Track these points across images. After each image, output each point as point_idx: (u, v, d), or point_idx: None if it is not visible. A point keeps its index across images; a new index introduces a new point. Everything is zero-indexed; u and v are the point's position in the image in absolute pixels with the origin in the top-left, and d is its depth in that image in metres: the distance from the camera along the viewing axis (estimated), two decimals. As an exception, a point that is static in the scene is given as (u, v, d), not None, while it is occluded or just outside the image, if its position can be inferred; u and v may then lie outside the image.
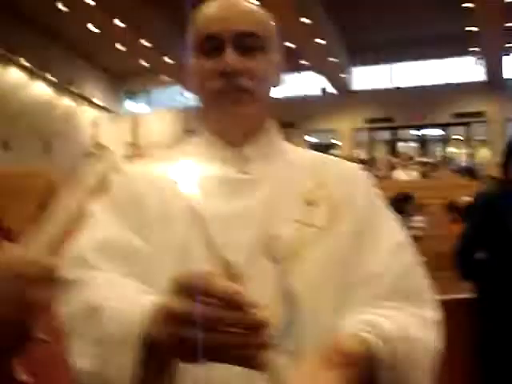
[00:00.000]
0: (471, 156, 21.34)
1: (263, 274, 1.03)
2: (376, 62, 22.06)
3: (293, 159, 1.23)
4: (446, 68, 21.57)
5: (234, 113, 1.16)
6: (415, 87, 21.52)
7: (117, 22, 16.16)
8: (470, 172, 19.59)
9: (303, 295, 1.04)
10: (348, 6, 16.52)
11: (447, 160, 20.89)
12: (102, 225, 1.11)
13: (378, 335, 0.91)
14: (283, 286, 1.04)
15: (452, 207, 7.32)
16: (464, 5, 14.95)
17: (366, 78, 22.51)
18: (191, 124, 23.42)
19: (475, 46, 17.68)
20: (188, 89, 1.30)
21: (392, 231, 1.16)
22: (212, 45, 1.16)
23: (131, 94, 26.40)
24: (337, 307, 1.05)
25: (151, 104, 25.93)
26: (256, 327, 0.73)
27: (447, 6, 16.23)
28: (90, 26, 17.17)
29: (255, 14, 1.20)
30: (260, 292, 0.86)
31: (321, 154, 1.32)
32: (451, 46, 19.64)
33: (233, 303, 0.72)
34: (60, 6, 15.52)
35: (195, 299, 0.72)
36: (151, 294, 0.87)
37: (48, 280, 0.63)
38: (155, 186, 1.13)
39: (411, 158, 17.90)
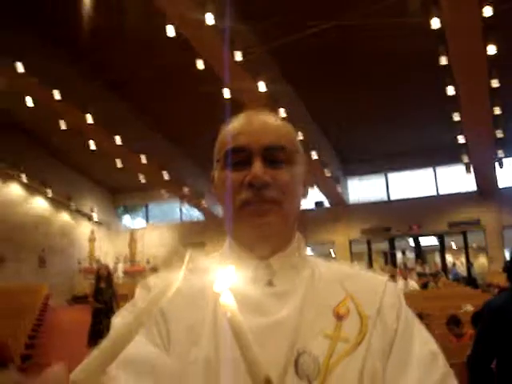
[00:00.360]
0: (469, 264, 21.26)
1: None
2: (371, 173, 22.50)
3: (320, 272, 1.21)
4: (441, 178, 21.98)
5: (261, 224, 1.15)
6: (410, 198, 21.81)
7: (116, 139, 16.55)
8: (469, 281, 19.50)
9: None
10: (342, 121, 17.05)
11: (446, 269, 20.83)
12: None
13: None
14: None
15: (453, 321, 7.18)
16: (454, 118, 15.43)
17: (362, 189, 22.84)
18: (189, 237, 23.53)
19: (467, 156, 18.07)
20: (215, 200, 1.30)
21: (424, 341, 1.12)
22: (240, 157, 1.17)
23: (129, 209, 26.68)
24: None
25: (149, 218, 26.13)
26: None
27: (439, 119, 16.77)
28: (90, 143, 17.56)
29: (282, 129, 1.23)
30: None
31: (347, 267, 1.31)
32: (444, 156, 20.12)
33: None
34: (62, 125, 15.95)
35: None
36: None
37: None
38: (181, 301, 1.10)
39: (411, 269, 17.82)
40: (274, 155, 1.17)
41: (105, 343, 0.67)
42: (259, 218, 1.14)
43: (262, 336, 1.04)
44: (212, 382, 1.01)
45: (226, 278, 0.74)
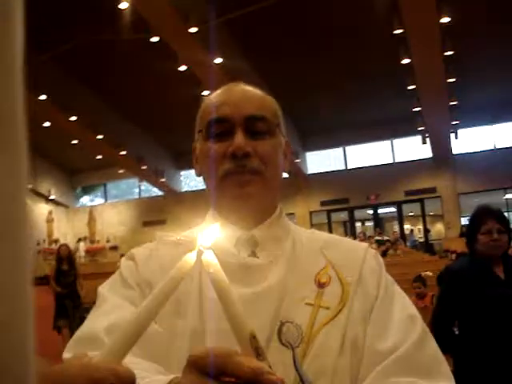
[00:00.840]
0: (427, 231, 21.70)
1: (278, 360, 1.01)
2: (329, 146, 22.65)
3: (301, 241, 1.23)
4: (397, 148, 22.26)
5: (243, 194, 1.16)
6: (367, 168, 22.04)
7: (72, 118, 16.26)
8: (427, 247, 19.94)
9: (318, 380, 1.01)
10: (298, 94, 17.06)
11: (404, 237, 21.22)
12: (112, 308, 1.09)
13: None
14: (299, 371, 1.01)
15: (419, 278, 7.39)
16: (409, 87, 15.59)
17: (320, 162, 23.00)
18: (148, 215, 23.39)
19: (422, 125, 18.32)
20: (196, 173, 1.30)
21: (403, 306, 1.14)
22: (222, 128, 1.18)
23: (87, 189, 26.35)
24: None
25: (107, 198, 25.85)
26: None
27: (394, 89, 16.92)
28: (44, 122, 17.22)
29: (264, 100, 1.24)
30: None
31: (328, 234, 1.32)
32: (400, 126, 20.35)
33: (261, 383, 0.64)
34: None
35: (216, 378, 0.66)
36: (166, 375, 0.81)
37: None
38: (164, 273, 1.09)
39: (369, 238, 18.10)
40: (256, 126, 1.18)
41: (125, 326, 0.66)
42: (241, 188, 1.16)
43: (246, 305, 0.98)
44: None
45: (209, 235, 0.73)
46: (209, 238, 0.73)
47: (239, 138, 1.15)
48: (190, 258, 0.69)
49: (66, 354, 0.98)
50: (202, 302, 1.08)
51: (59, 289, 9.78)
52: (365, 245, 1.27)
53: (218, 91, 1.25)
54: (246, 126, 1.17)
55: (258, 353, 0.69)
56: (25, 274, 0.30)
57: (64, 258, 10.19)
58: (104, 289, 1.17)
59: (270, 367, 0.66)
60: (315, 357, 1.03)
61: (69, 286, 9.87)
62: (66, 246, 10.85)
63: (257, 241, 1.19)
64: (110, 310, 1.08)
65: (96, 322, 1.05)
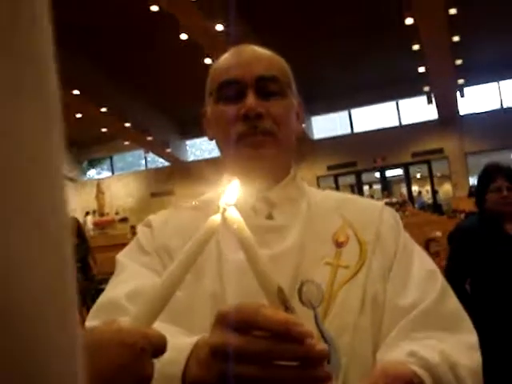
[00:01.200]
0: (435, 192, 21.67)
1: (300, 319, 1.00)
2: (334, 110, 22.52)
3: (317, 201, 1.23)
4: (403, 109, 22.11)
5: (257, 155, 1.15)
6: (373, 131, 21.94)
7: (75, 91, 16.20)
8: (435, 208, 19.93)
9: (340, 337, 1.01)
10: (301, 58, 16.91)
11: (412, 199, 21.20)
12: (131, 275, 1.10)
13: (420, 364, 0.87)
14: (320, 329, 1.02)
15: (429, 242, 7.41)
16: (413, 47, 15.42)
17: (326, 126, 22.88)
18: (156, 186, 23.44)
19: (427, 86, 18.17)
20: (208, 137, 1.29)
21: (422, 262, 1.14)
22: (233, 90, 1.17)
23: (94, 163, 26.38)
24: (375, 345, 1.03)
25: (114, 170, 25.89)
26: (316, 359, 0.67)
27: (399, 50, 16.74)
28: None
29: (274, 59, 1.23)
30: None
31: (343, 193, 1.32)
32: (405, 87, 20.18)
33: (289, 335, 0.65)
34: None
35: (245, 333, 0.66)
36: (189, 337, 0.83)
37: (157, 350, 0.60)
38: (182, 236, 1.10)
39: (377, 200, 18.07)
40: (267, 86, 1.17)
41: (152, 292, 0.67)
42: (255, 149, 1.15)
43: None
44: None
45: (231, 193, 0.74)
46: (231, 196, 0.73)
47: (251, 99, 1.14)
48: (215, 220, 0.69)
49: (89, 323, 0.99)
50: (220, 264, 1.09)
51: None
52: (381, 203, 1.27)
53: (227, 54, 1.24)
54: (257, 86, 1.16)
55: (286, 306, 0.69)
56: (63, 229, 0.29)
57: (73, 232, 10.00)
58: (122, 256, 1.18)
59: (299, 320, 0.66)
60: (336, 315, 1.03)
61: (80, 261, 9.64)
62: (73, 218, 10.21)
63: (273, 202, 1.19)
64: (130, 277, 1.09)
65: (116, 290, 1.06)
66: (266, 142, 1.15)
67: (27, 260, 0.25)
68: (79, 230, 10.03)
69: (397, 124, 22.07)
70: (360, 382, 0.93)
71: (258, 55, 1.21)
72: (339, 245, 1.13)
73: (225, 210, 0.71)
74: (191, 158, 24.53)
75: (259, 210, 1.19)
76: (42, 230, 0.26)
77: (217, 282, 1.07)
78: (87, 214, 22.92)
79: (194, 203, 1.23)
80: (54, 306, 0.27)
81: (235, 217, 0.71)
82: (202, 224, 0.74)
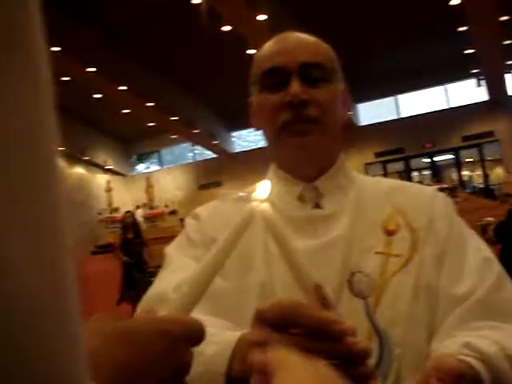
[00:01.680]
0: (486, 177, 21.19)
1: (351, 311, 1.00)
2: (380, 95, 22.22)
3: (366, 189, 1.21)
4: (451, 93, 21.67)
5: (303, 143, 1.14)
6: (422, 115, 21.56)
7: (122, 87, 16.40)
8: (487, 193, 19.49)
9: (393, 328, 1.00)
10: (346, 45, 16.73)
11: (463, 184, 20.80)
12: (179, 268, 1.11)
13: (475, 356, 0.84)
14: (372, 320, 1.00)
15: (484, 229, 7.25)
16: (460, 28, 15.08)
17: (372, 112, 22.62)
18: (204, 178, 23.61)
19: (476, 68, 17.76)
20: (254, 127, 1.28)
21: (477, 248, 1.11)
22: (277, 78, 1.15)
23: (142, 157, 26.73)
24: (429, 335, 1.01)
25: (162, 163, 26.17)
26: (357, 357, 0.65)
27: (445, 32, 16.39)
28: (95, 94, 17.44)
29: (319, 46, 1.21)
30: None
31: (394, 180, 1.30)
32: (453, 70, 19.76)
33: (329, 333, 0.63)
34: (63, 78, 15.83)
35: (284, 330, 0.64)
36: (235, 331, 0.83)
37: (194, 338, 0.60)
38: (229, 227, 1.09)
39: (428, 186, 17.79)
40: (312, 73, 1.15)
41: (190, 281, 0.67)
42: (301, 137, 1.14)
43: (314, 257, 1.05)
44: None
45: (263, 189, 0.72)
46: (263, 191, 0.72)
47: (295, 86, 1.12)
48: (254, 207, 0.69)
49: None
50: (268, 255, 1.08)
51: (126, 258, 9.49)
52: (433, 188, 1.23)
53: (271, 41, 1.23)
54: (301, 73, 1.14)
55: (324, 302, 0.68)
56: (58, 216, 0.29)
57: (129, 226, 9.88)
58: (171, 249, 1.19)
59: (339, 316, 0.65)
60: (388, 305, 1.02)
61: (136, 255, 9.54)
62: (130, 213, 10.47)
63: (320, 192, 1.18)
64: (178, 270, 1.10)
65: (164, 282, 1.07)
66: (311, 129, 1.14)
67: (22, 253, 0.24)
68: (134, 225, 9.95)
69: (445, 107, 21.63)
70: (414, 373, 0.90)
71: (302, 41, 1.19)
72: (390, 233, 1.10)
73: (259, 205, 0.70)
74: (238, 149, 24.59)
75: (306, 200, 1.17)
76: (37, 221, 0.26)
77: (265, 274, 1.07)
78: (138, 207, 23.26)
79: (240, 195, 1.21)
80: (52, 301, 0.26)
81: (267, 212, 0.70)
82: None
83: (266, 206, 0.70)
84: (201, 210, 1.26)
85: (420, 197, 1.19)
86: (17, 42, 0.25)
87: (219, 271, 1.08)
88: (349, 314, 0.97)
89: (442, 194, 1.22)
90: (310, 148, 1.15)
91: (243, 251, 1.08)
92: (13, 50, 0.24)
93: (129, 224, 9.87)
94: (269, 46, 1.21)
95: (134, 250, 9.60)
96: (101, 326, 0.59)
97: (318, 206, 1.17)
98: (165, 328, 0.59)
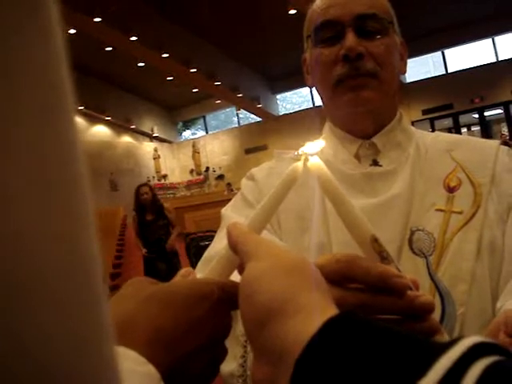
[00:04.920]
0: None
1: (412, 269, 0.99)
2: (426, 50, 21.68)
3: (426, 145, 1.16)
4: (499, 45, 20.97)
5: (360, 98, 1.10)
6: (469, 69, 20.98)
7: (164, 55, 16.43)
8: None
9: (455, 287, 0.97)
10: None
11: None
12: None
13: None
14: (433, 279, 0.98)
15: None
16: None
17: (418, 68, 22.11)
18: (249, 142, 23.61)
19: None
20: (308, 84, 1.24)
21: None
22: (331, 31, 1.12)
23: (188, 123, 26.85)
24: (494, 294, 0.97)
25: (208, 129, 26.25)
26: (419, 312, 0.61)
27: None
28: (139, 63, 17.51)
29: None
30: None
31: (454, 135, 1.23)
32: (499, 22, 19.09)
33: (388, 287, 0.59)
34: (107, 48, 15.95)
35: (341, 285, 0.61)
36: None
37: (233, 301, 0.58)
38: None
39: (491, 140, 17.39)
40: (367, 25, 1.10)
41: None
42: (357, 92, 1.10)
43: (373, 216, 1.03)
44: None
45: (315, 147, 0.69)
46: (314, 147, 0.69)
47: (350, 39, 1.08)
48: (298, 165, 0.67)
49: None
50: (326, 215, 1.06)
51: (145, 250, 7.09)
52: (496, 142, 1.17)
53: None
54: (356, 25, 1.09)
55: (383, 256, 0.65)
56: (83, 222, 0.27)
57: (148, 206, 7.15)
58: (227, 210, 1.18)
59: (399, 270, 0.62)
60: (450, 263, 0.99)
61: (159, 243, 7.07)
62: (147, 187, 7.46)
63: (378, 148, 1.15)
64: None
65: (219, 244, 1.05)
66: (368, 83, 1.09)
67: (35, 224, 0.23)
68: (153, 201, 7.29)
69: (494, 60, 20.96)
70: (478, 332, 0.88)
71: None
72: (451, 189, 1.06)
73: (306, 158, 0.67)
74: (282, 111, 24.45)
75: (363, 157, 1.15)
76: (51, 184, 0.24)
77: (323, 233, 1.05)
78: (192, 171, 23.49)
79: (295, 153, 1.22)
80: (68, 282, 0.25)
81: (318, 166, 0.67)
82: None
83: (317, 162, 0.67)
84: (256, 171, 1.24)
85: (483, 151, 1.13)
86: (30, 2, 0.24)
87: (270, 228, 1.06)
88: (410, 273, 0.92)
89: (505, 148, 1.15)
90: (366, 103, 1.11)
91: (301, 211, 1.08)
92: (26, 9, 0.23)
93: (147, 203, 7.14)
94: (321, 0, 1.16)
95: (156, 235, 7.12)
96: (137, 290, 0.59)
97: (375, 163, 1.13)
98: (204, 291, 0.59)
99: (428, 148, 1.15)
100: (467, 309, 0.95)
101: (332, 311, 0.44)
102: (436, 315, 0.94)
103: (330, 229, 1.05)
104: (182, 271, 0.68)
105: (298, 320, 0.44)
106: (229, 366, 0.85)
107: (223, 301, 0.60)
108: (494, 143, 1.16)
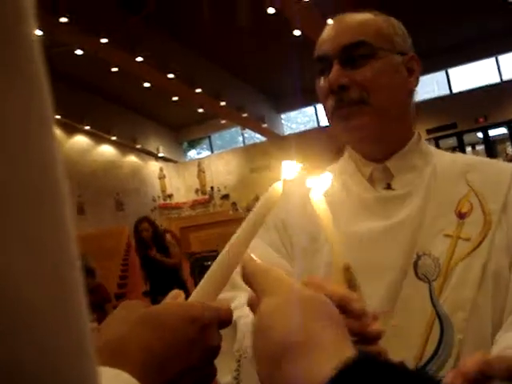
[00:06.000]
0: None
1: (415, 293, 1.00)
2: (430, 69, 21.75)
3: (443, 167, 1.16)
4: (503, 65, 21.03)
5: (349, 127, 1.13)
6: (473, 89, 21.03)
7: (169, 75, 16.52)
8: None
9: (455, 313, 0.97)
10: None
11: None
12: (251, 250, 1.14)
13: None
14: (435, 305, 0.99)
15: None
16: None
17: (422, 87, 22.15)
18: (254, 161, 23.64)
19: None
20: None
21: None
22: (323, 65, 1.16)
23: (193, 142, 26.91)
24: (496, 325, 0.96)
25: (213, 148, 26.30)
26: (373, 337, 0.66)
27: (495, 5, 15.92)
28: (145, 84, 17.61)
29: (364, 23, 1.16)
30: (412, 311, 0.89)
31: (474, 157, 1.22)
32: (503, 41, 19.17)
33: (346, 310, 0.64)
34: (113, 69, 16.06)
35: None
36: None
37: (222, 322, 0.62)
38: (299, 211, 1.12)
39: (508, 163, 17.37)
40: (354, 53, 1.12)
41: (215, 264, 0.68)
42: (346, 121, 1.13)
43: (382, 239, 1.06)
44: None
45: (321, 182, 0.75)
46: (291, 171, 0.75)
47: (333, 72, 1.12)
48: (278, 187, 0.71)
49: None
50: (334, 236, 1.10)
51: (144, 288, 6.59)
52: (511, 166, 1.14)
53: (327, 26, 1.21)
54: (342, 57, 1.12)
55: (350, 284, 0.72)
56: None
57: (149, 242, 6.51)
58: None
59: (362, 297, 0.68)
60: (453, 290, 0.99)
61: (169, 283, 6.18)
62: (146, 222, 6.72)
63: (391, 173, 1.15)
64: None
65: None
66: (354, 112, 1.11)
67: (23, 263, 0.23)
68: (155, 235, 6.66)
69: (498, 80, 21.01)
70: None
71: (347, 24, 1.16)
72: (462, 215, 1.05)
73: (286, 182, 0.71)
74: (287, 131, 24.49)
75: (378, 181, 1.16)
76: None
77: (329, 254, 1.03)
78: (197, 190, 23.52)
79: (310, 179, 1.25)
80: (53, 310, 0.25)
81: (319, 204, 0.73)
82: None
83: (319, 199, 0.73)
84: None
85: (498, 176, 1.11)
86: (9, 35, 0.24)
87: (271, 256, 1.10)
88: (412, 297, 0.99)
89: None
90: (357, 131, 1.13)
91: (313, 232, 1.10)
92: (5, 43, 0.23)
93: (148, 239, 6.53)
94: (324, 31, 1.21)
95: (165, 275, 6.43)
96: (129, 313, 0.61)
97: (388, 186, 1.15)
98: (193, 314, 0.60)
99: (445, 170, 1.14)
100: (466, 336, 0.96)
101: (347, 350, 0.45)
102: (434, 340, 0.96)
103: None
104: (172, 293, 0.70)
105: (312, 359, 0.45)
106: (224, 378, 0.87)
107: (212, 323, 0.61)
108: (509, 167, 1.14)
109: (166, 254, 6.55)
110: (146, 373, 0.54)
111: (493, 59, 21.07)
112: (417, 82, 1.22)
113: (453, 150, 21.87)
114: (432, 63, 20.96)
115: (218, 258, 0.68)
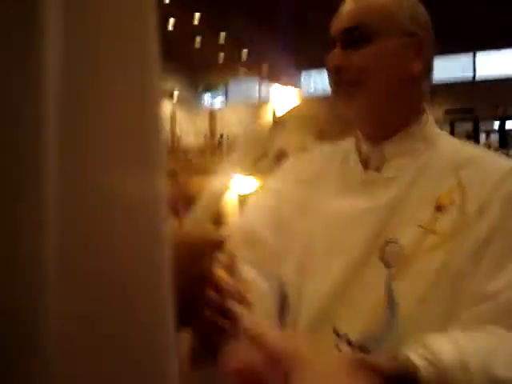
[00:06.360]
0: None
1: (374, 275, 1.03)
2: (458, 52, 21.42)
3: (439, 158, 1.13)
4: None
5: (347, 107, 1.16)
6: (497, 77, 20.75)
7: (195, 18, 16.32)
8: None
9: (405, 304, 0.99)
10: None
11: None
12: (253, 213, 1.30)
13: (428, 358, 0.73)
14: (388, 290, 1.01)
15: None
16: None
17: (446, 67, 21.84)
18: (267, 118, 23.52)
19: None
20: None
21: None
22: (332, 46, 1.18)
23: (209, 88, 26.74)
24: (443, 322, 0.95)
25: (228, 97, 26.13)
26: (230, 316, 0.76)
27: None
28: (169, 21, 17.41)
29: (366, 6, 1.16)
30: (367, 291, 0.96)
31: (476, 151, 1.16)
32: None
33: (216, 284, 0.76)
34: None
35: None
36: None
37: (217, 251, 0.67)
38: (293, 181, 1.26)
39: (496, 150, 17.30)
40: (351, 36, 1.14)
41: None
42: (343, 102, 1.16)
43: (354, 219, 1.10)
44: (308, 254, 1.13)
45: (240, 184, 0.83)
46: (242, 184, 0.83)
47: (331, 53, 1.16)
48: (221, 188, 0.78)
49: None
50: (317, 214, 1.18)
51: None
52: (509, 164, 1.09)
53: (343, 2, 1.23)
54: (343, 39, 1.15)
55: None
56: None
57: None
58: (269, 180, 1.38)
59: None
60: (408, 280, 1.00)
61: None
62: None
63: (384, 155, 1.15)
64: (250, 215, 1.31)
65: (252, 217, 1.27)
66: (351, 92, 1.13)
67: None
68: None
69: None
70: None
71: (350, 6, 1.18)
72: (439, 209, 1.04)
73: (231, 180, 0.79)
74: (307, 90, 24.23)
75: (372, 161, 1.17)
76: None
77: (307, 235, 1.15)
78: (206, 136, 23.52)
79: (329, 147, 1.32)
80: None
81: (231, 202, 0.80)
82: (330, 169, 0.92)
83: (232, 199, 0.82)
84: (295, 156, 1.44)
85: (490, 173, 1.06)
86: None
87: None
88: (371, 279, 1.03)
89: None
90: (356, 110, 1.16)
91: (301, 202, 1.21)
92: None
93: None
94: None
95: None
96: None
97: (377, 169, 1.16)
98: (185, 241, 0.65)
99: (441, 161, 1.12)
100: (411, 326, 0.97)
101: None
102: (381, 321, 1.00)
103: (314, 231, 1.17)
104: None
105: None
106: None
107: (201, 248, 0.67)
108: (505, 166, 1.09)
109: None
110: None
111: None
112: (426, 63, 1.17)
113: (467, 136, 21.71)
114: (459, 44, 20.65)
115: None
